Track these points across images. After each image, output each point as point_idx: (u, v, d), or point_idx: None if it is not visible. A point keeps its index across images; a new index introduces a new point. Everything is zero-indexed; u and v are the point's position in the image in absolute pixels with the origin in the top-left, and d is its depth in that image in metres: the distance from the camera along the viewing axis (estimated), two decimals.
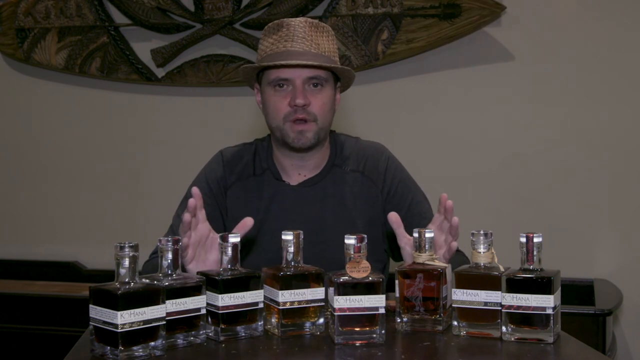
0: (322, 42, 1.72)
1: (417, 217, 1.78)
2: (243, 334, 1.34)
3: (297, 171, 1.81)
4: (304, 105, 1.69)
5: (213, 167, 1.85)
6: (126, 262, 1.22)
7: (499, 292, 1.30)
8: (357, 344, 1.28)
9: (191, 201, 1.49)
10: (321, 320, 1.37)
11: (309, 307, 1.35)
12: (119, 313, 1.18)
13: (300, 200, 1.79)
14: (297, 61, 1.66)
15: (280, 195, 1.80)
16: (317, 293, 1.36)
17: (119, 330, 1.18)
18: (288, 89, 1.71)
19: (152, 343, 1.22)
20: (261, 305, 1.36)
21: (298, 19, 1.73)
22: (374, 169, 1.83)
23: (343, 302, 1.28)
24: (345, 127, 2.37)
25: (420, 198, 1.85)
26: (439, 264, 1.37)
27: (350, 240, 1.32)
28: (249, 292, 1.34)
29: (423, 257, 1.38)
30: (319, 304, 1.36)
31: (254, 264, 1.63)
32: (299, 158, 1.79)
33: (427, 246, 1.38)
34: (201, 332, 1.31)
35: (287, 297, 1.33)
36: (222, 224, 1.81)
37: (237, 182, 1.82)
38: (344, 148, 1.85)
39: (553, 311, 1.27)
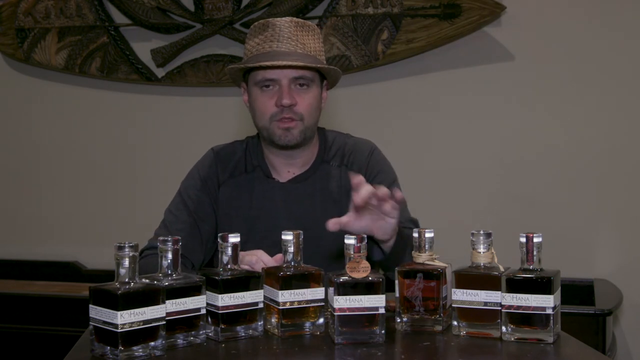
0: (307, 42, 1.73)
1: None
2: (243, 334, 1.34)
3: (286, 169, 1.82)
4: (290, 105, 1.70)
5: (205, 164, 1.86)
6: (126, 262, 1.22)
7: (499, 292, 1.30)
8: (357, 344, 1.28)
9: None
10: (321, 320, 1.37)
11: (309, 307, 1.35)
12: (119, 313, 1.18)
13: (289, 197, 1.80)
14: (284, 62, 1.67)
15: (270, 193, 1.81)
16: (317, 293, 1.36)
17: (119, 330, 1.18)
18: (274, 89, 1.72)
19: (152, 343, 1.22)
20: (261, 305, 1.36)
21: (284, 18, 1.74)
22: (357, 162, 1.84)
23: (343, 302, 1.28)
24: (345, 127, 2.37)
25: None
26: (439, 264, 1.37)
27: (350, 240, 1.32)
28: (249, 292, 1.34)
29: (423, 257, 1.38)
30: (319, 304, 1.36)
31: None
32: (288, 156, 1.80)
33: (427, 246, 1.38)
34: (201, 332, 1.31)
35: (287, 297, 1.33)
36: (215, 221, 1.81)
37: (230, 179, 1.83)
38: (333, 144, 1.87)
39: (553, 311, 1.27)
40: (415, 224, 1.83)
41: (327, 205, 1.79)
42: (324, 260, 1.54)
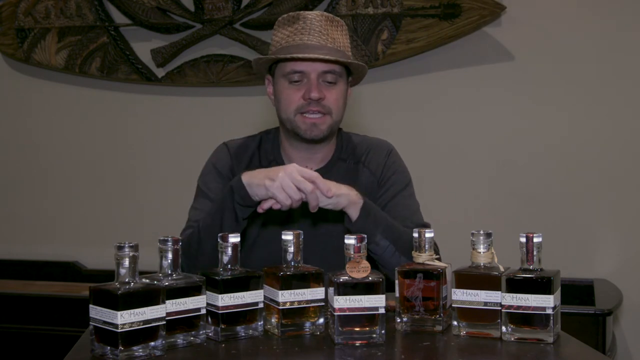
0: (337, 37, 1.72)
1: (400, 207, 1.78)
2: (243, 334, 1.34)
3: (304, 164, 1.81)
4: (318, 99, 1.69)
5: (220, 157, 1.84)
6: (126, 262, 1.22)
7: (499, 292, 1.30)
8: (357, 344, 1.28)
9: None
10: (321, 320, 1.37)
11: (309, 307, 1.35)
12: (119, 313, 1.18)
13: None
14: (315, 55, 1.66)
15: None
16: (317, 293, 1.36)
17: (119, 330, 1.18)
18: (302, 82, 1.71)
19: (152, 343, 1.22)
20: (261, 305, 1.36)
21: (314, 12, 1.73)
22: (375, 160, 1.84)
23: (343, 302, 1.28)
24: (345, 127, 2.37)
25: (409, 193, 1.84)
26: (439, 263, 1.37)
27: (350, 240, 1.32)
28: (249, 292, 1.34)
29: (423, 257, 1.38)
30: (319, 304, 1.36)
31: (261, 256, 1.64)
32: (308, 150, 1.79)
33: (427, 246, 1.38)
34: (201, 332, 1.31)
35: (287, 297, 1.33)
36: None
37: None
38: (349, 142, 1.86)
39: (553, 311, 1.27)
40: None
41: None
42: (334, 255, 1.53)
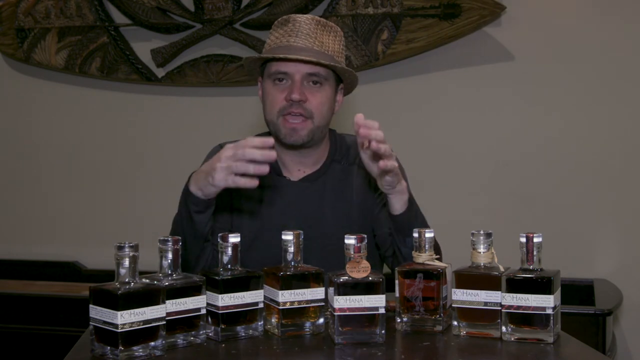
0: (326, 41, 1.71)
1: None
2: (243, 334, 1.34)
3: (296, 167, 1.81)
4: (300, 101, 1.69)
5: None
6: (126, 262, 1.22)
7: (499, 292, 1.30)
8: (357, 344, 1.28)
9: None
10: (321, 320, 1.37)
11: (309, 307, 1.35)
12: (119, 313, 1.18)
13: (300, 195, 1.79)
14: (296, 56, 1.66)
15: (281, 191, 1.80)
16: (317, 293, 1.36)
17: (119, 330, 1.18)
18: (287, 84, 1.71)
19: (152, 343, 1.22)
20: (261, 305, 1.36)
21: (306, 15, 1.73)
22: None
23: (343, 302, 1.28)
24: (345, 127, 2.37)
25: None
26: (439, 263, 1.37)
27: (350, 240, 1.32)
28: (249, 292, 1.34)
29: (423, 257, 1.38)
30: (319, 304, 1.36)
31: (256, 259, 1.63)
32: (298, 154, 1.79)
33: (427, 246, 1.38)
34: (201, 332, 1.31)
35: (287, 297, 1.33)
36: (230, 214, 1.80)
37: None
38: (343, 143, 1.86)
39: (553, 311, 1.27)
40: None
41: (338, 204, 1.79)
42: (333, 259, 1.53)
